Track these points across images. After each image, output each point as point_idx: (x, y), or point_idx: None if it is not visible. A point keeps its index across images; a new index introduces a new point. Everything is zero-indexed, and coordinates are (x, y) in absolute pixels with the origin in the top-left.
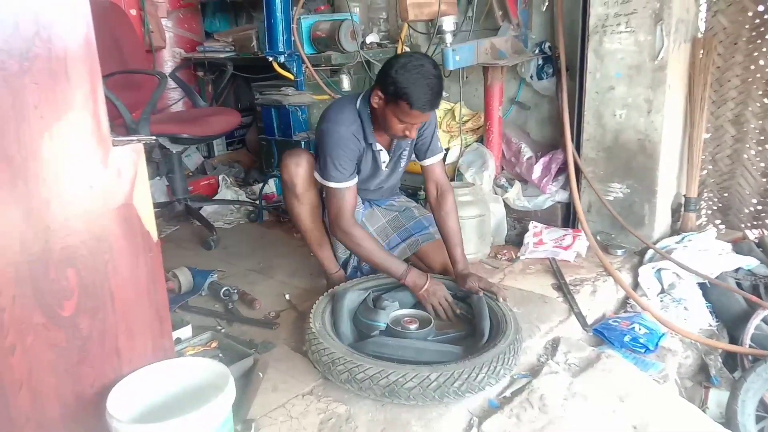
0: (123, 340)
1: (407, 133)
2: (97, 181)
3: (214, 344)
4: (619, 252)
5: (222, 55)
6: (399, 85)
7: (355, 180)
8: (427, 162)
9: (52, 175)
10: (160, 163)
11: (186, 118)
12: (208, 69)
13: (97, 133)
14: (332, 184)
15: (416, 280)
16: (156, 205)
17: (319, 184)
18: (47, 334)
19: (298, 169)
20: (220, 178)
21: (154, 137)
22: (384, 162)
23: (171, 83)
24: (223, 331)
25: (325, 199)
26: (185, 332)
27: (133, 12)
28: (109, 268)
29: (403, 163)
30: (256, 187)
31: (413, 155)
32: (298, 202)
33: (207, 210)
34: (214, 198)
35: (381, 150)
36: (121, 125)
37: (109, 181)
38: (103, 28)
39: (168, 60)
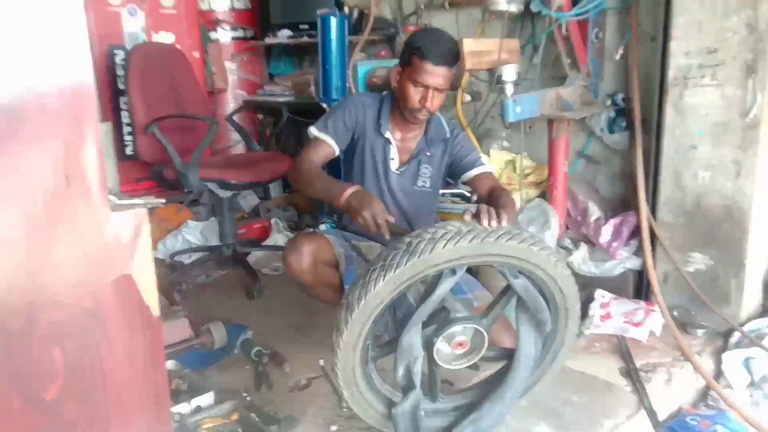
0: (115, 427)
1: (424, 102)
2: (91, 249)
3: (235, 417)
4: (700, 333)
5: (281, 99)
6: (412, 45)
7: (333, 143)
8: (472, 172)
9: (39, 243)
10: (216, 204)
11: (237, 162)
12: (267, 112)
13: (95, 197)
14: (312, 129)
15: (351, 196)
16: (206, 249)
17: (335, 262)
18: (26, 421)
19: (301, 266)
20: (273, 221)
21: (162, 201)
22: (393, 159)
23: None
24: (249, 399)
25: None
26: (206, 399)
27: (197, 54)
28: (102, 347)
29: (422, 183)
30: None
31: (446, 178)
32: (313, 292)
33: (256, 254)
34: (263, 243)
35: (391, 143)
36: (171, 168)
37: (105, 249)
38: (162, 71)
39: (230, 102)
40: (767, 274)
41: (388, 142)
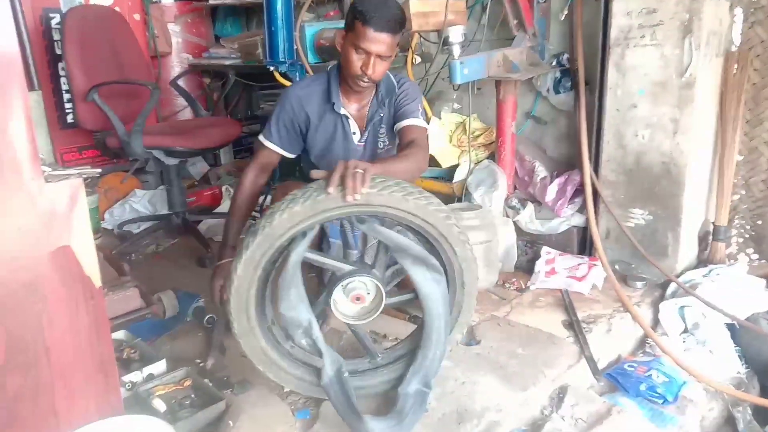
0: (61, 398)
1: (365, 69)
2: (25, 222)
3: (188, 383)
4: (639, 284)
5: (227, 62)
6: (355, 9)
7: (279, 149)
8: (402, 123)
9: None
10: (163, 172)
11: (183, 129)
12: (214, 76)
13: (26, 168)
14: (259, 137)
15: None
16: (155, 218)
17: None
18: None
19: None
20: (224, 188)
21: (98, 171)
22: (354, 133)
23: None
24: (201, 365)
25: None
26: (158, 367)
27: (137, 17)
28: (43, 320)
29: (383, 143)
30: (260, 199)
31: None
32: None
33: (208, 222)
34: (214, 211)
35: (349, 118)
36: (114, 136)
37: (40, 222)
38: (101, 35)
39: (175, 66)
40: (702, 228)
41: (345, 117)
